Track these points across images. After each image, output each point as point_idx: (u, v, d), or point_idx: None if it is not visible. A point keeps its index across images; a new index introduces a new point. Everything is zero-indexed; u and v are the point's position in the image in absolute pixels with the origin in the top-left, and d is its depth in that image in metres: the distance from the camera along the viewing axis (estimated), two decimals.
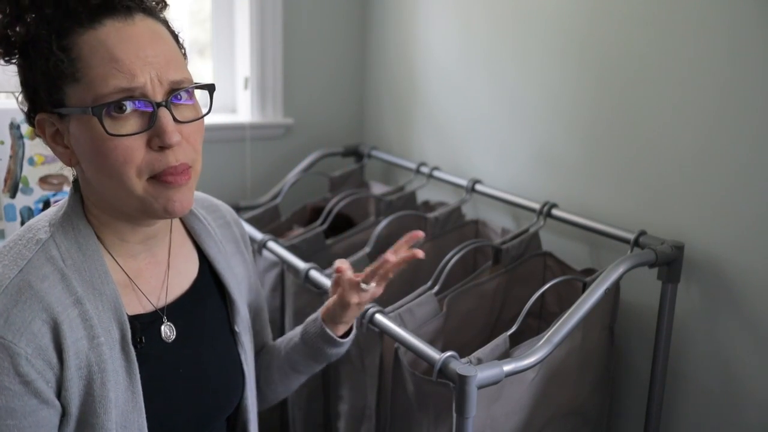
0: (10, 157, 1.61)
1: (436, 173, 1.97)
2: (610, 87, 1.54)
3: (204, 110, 0.84)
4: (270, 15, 2.16)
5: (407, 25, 2.16)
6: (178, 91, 0.79)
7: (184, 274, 0.95)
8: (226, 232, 1.04)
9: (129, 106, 0.76)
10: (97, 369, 0.80)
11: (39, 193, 1.64)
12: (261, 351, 1.16)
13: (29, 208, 1.64)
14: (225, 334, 0.99)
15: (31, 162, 1.62)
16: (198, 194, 1.05)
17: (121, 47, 0.76)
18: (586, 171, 1.62)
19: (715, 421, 1.40)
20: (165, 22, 0.84)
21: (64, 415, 0.80)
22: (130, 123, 0.77)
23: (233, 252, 1.04)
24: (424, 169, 2.00)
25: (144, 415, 0.84)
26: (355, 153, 2.28)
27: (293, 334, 1.12)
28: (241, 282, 1.04)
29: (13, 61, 0.79)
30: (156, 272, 0.91)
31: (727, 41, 1.30)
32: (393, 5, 2.22)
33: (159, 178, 0.79)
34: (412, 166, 2.04)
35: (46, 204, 1.65)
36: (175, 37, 0.85)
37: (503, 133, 1.84)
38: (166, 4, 0.86)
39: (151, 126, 0.77)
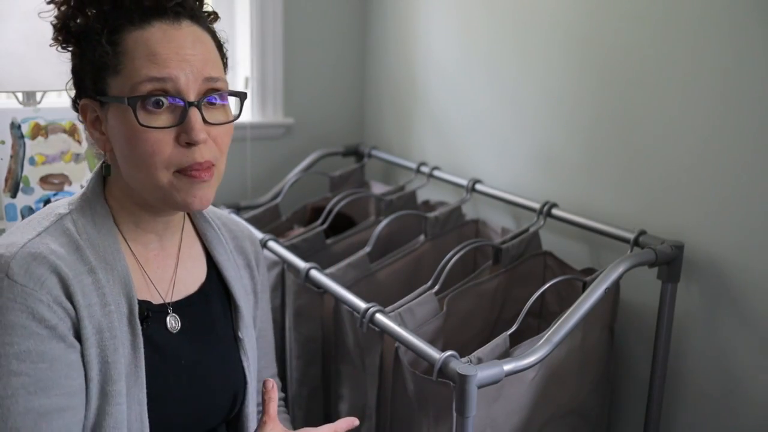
0: (11, 156, 1.61)
1: (436, 173, 1.97)
2: (610, 87, 1.54)
3: (232, 118, 0.89)
4: (270, 15, 2.16)
5: (407, 25, 2.16)
6: (212, 94, 0.84)
7: (192, 275, 0.97)
8: (237, 244, 1.06)
9: (164, 102, 0.82)
10: (109, 335, 0.83)
11: (40, 192, 1.64)
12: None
13: (30, 208, 1.64)
14: (228, 338, 1.00)
15: (32, 162, 1.63)
16: (219, 210, 1.09)
17: (162, 44, 0.82)
18: (586, 171, 1.62)
19: (714, 421, 1.40)
20: (212, 32, 0.90)
21: (87, 379, 0.82)
22: (163, 118, 0.82)
23: (243, 264, 1.06)
24: (424, 169, 2.00)
25: (145, 390, 0.86)
26: (355, 153, 2.28)
27: None
28: (249, 294, 1.05)
29: (69, 48, 0.86)
30: (164, 265, 0.94)
31: (727, 42, 1.30)
32: (393, 5, 2.22)
33: (184, 173, 0.84)
34: (412, 165, 2.04)
35: (47, 204, 1.65)
36: (220, 47, 0.91)
37: (503, 133, 1.85)
38: (217, 17, 0.92)
39: (181, 122, 0.82)
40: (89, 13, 0.84)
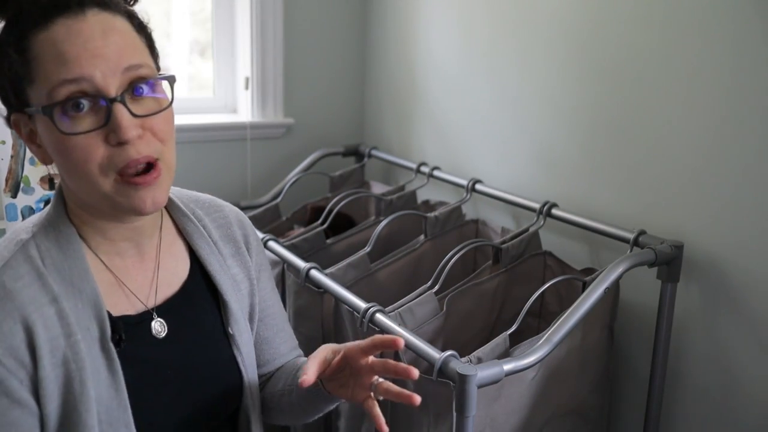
0: (12, 156, 1.61)
1: (436, 173, 1.97)
2: (610, 87, 1.54)
3: (166, 104, 0.82)
4: (270, 15, 2.16)
5: (407, 25, 2.16)
6: (136, 84, 0.78)
7: (174, 274, 0.93)
8: (225, 232, 1.01)
9: (84, 103, 0.75)
10: (75, 367, 0.79)
11: (40, 192, 1.65)
12: (280, 369, 1.10)
13: (30, 208, 1.64)
14: (218, 335, 0.96)
15: (33, 162, 1.63)
16: (203, 196, 1.04)
17: (69, 42, 0.75)
18: (586, 171, 1.62)
19: (714, 421, 1.41)
20: (129, 15, 0.82)
21: (43, 415, 0.79)
22: (87, 121, 0.76)
23: (232, 253, 1.00)
24: (425, 169, 2.00)
25: (130, 412, 0.83)
26: (355, 153, 2.28)
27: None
28: (240, 283, 1.00)
29: None
30: (143, 270, 0.90)
31: (728, 42, 1.30)
32: (393, 5, 2.22)
33: (126, 179, 0.78)
34: (413, 165, 2.05)
35: (47, 204, 1.65)
36: (143, 30, 0.84)
37: (503, 133, 1.85)
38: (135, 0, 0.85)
39: (107, 122, 0.76)
40: None
